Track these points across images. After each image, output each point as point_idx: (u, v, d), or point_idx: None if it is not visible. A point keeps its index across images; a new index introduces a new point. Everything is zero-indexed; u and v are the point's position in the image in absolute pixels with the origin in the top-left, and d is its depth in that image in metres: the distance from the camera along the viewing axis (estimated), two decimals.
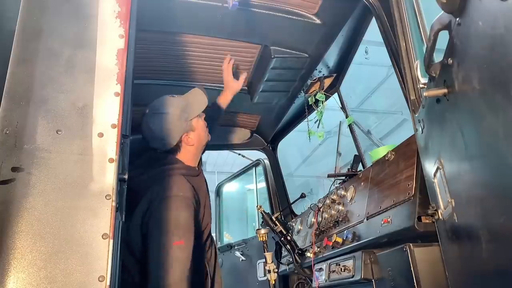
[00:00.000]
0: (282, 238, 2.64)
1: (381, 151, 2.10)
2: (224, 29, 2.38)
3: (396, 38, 1.76)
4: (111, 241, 1.01)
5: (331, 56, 2.69)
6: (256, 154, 3.96)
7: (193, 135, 2.12)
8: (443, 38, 1.10)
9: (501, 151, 0.87)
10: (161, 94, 2.11)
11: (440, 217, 1.40)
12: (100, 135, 1.10)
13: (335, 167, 3.07)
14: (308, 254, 2.50)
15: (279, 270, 2.85)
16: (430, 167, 1.46)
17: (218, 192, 4.49)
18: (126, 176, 1.16)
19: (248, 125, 3.60)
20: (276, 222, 2.63)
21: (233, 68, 2.55)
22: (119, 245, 1.12)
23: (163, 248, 1.79)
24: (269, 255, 2.50)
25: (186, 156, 2.11)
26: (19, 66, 1.09)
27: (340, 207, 2.32)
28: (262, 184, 4.00)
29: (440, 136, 1.31)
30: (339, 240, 2.15)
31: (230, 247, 3.96)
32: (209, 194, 2.23)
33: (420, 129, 1.53)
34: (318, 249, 2.41)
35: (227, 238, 4.64)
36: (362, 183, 2.16)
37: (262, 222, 2.73)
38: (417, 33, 1.59)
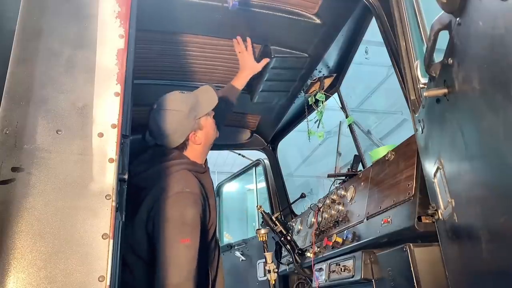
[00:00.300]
0: (282, 238, 2.64)
1: (381, 151, 2.10)
2: (224, 29, 2.38)
3: (396, 38, 1.76)
4: (111, 241, 1.01)
5: (331, 56, 2.69)
6: (256, 154, 3.96)
7: (201, 133, 2.07)
8: (443, 38, 1.10)
9: (501, 151, 0.87)
10: (161, 94, 2.08)
11: (440, 217, 1.40)
12: (100, 135, 1.09)
13: (335, 167, 3.07)
14: (308, 254, 2.50)
15: (279, 270, 2.85)
16: (430, 167, 1.46)
17: (218, 192, 4.49)
18: (126, 176, 1.16)
19: (248, 125, 3.60)
20: (276, 222, 2.63)
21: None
22: (119, 245, 1.12)
23: (169, 246, 1.74)
24: (269, 255, 2.50)
25: (192, 153, 2.06)
26: (19, 66, 1.09)
27: (340, 207, 2.32)
28: (262, 184, 4.00)
29: (440, 136, 1.31)
30: (339, 240, 2.14)
31: (230, 247, 3.96)
32: (214, 193, 2.17)
33: (420, 129, 1.53)
34: (318, 249, 2.41)
35: (227, 238, 4.64)
36: (362, 183, 2.16)
37: (262, 222, 2.73)
38: (417, 33, 1.59)
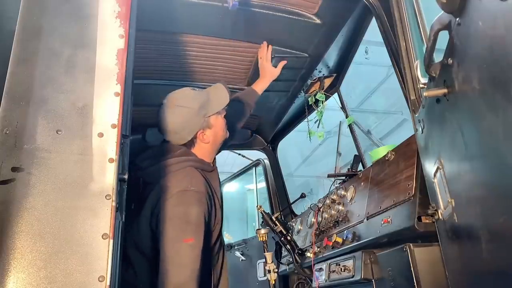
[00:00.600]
0: (282, 238, 2.64)
1: (381, 151, 2.10)
2: (224, 29, 2.38)
3: (396, 38, 1.76)
4: (111, 241, 1.01)
5: (331, 56, 2.69)
6: (256, 154, 3.96)
7: (209, 132, 2.02)
8: (443, 38, 1.10)
9: (501, 151, 0.87)
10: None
11: (440, 217, 1.40)
12: (100, 135, 1.09)
13: (335, 167, 3.07)
14: (308, 254, 2.50)
15: (279, 270, 2.85)
16: (430, 167, 1.46)
17: None
18: (126, 176, 1.16)
19: (248, 125, 3.60)
20: (276, 222, 2.63)
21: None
22: (119, 245, 1.12)
23: (172, 246, 1.71)
24: (269, 255, 2.50)
25: (200, 151, 2.02)
26: (19, 66, 1.09)
27: (340, 207, 2.32)
28: (262, 184, 4.00)
29: (440, 136, 1.31)
30: (339, 240, 2.14)
31: (230, 247, 3.96)
32: (221, 193, 2.12)
33: (420, 129, 1.53)
34: (318, 249, 2.41)
35: (227, 238, 4.64)
36: (362, 183, 2.16)
37: (262, 222, 2.72)
38: (417, 33, 1.59)
